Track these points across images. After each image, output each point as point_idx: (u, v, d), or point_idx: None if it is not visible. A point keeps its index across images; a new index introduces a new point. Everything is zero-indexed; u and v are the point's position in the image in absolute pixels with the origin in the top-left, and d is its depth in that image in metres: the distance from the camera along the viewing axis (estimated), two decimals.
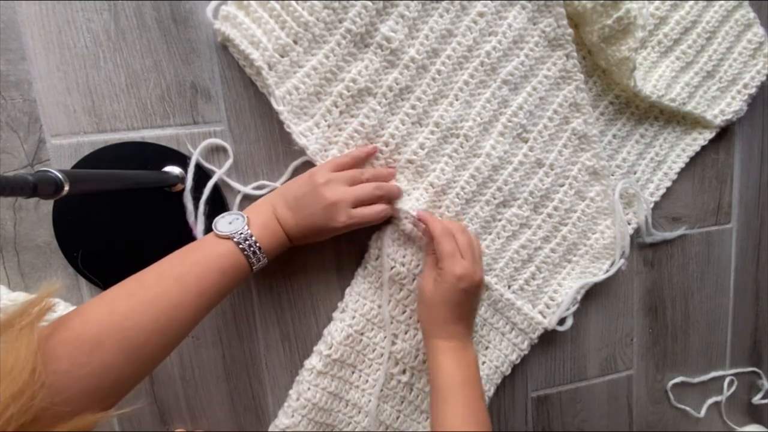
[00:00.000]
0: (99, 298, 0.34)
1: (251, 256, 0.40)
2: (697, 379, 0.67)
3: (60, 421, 0.27)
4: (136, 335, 0.32)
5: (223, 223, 0.41)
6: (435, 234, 0.46)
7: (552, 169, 0.54)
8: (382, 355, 0.52)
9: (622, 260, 0.57)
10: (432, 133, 0.50)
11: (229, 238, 0.40)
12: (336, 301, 0.53)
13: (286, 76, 0.46)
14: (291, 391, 0.51)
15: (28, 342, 0.26)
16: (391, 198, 0.48)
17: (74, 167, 0.46)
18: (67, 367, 0.29)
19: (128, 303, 0.33)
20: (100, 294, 0.35)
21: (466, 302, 0.45)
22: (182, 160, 0.47)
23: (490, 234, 0.54)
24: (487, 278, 0.53)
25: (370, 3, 0.45)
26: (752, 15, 0.58)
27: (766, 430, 0.70)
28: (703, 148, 0.60)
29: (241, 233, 0.40)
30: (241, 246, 0.39)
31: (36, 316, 0.28)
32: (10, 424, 0.24)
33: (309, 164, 0.48)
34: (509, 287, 0.55)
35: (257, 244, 0.40)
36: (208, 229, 0.46)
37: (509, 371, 0.57)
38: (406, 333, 0.52)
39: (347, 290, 0.52)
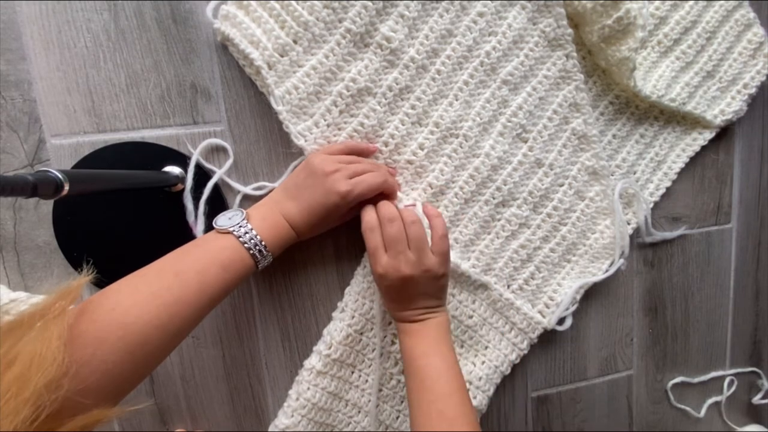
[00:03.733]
0: (101, 294, 0.34)
1: (252, 248, 0.40)
2: (697, 379, 0.67)
3: (77, 414, 0.27)
4: (137, 331, 0.32)
5: (223, 219, 0.42)
6: (362, 229, 0.45)
7: (551, 169, 0.54)
8: (382, 354, 0.52)
9: (622, 260, 0.57)
10: (432, 133, 0.50)
11: (228, 232, 0.40)
12: (336, 301, 0.53)
13: (286, 76, 0.46)
14: (291, 391, 0.51)
15: (59, 332, 0.27)
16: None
17: (74, 167, 0.46)
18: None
19: (130, 299, 0.34)
20: (102, 290, 0.35)
21: (401, 292, 0.44)
22: (182, 160, 0.47)
23: (489, 234, 0.54)
24: (486, 278, 0.53)
25: (370, 3, 0.45)
26: (752, 15, 0.58)
27: (766, 430, 0.70)
28: (703, 148, 0.60)
29: (240, 226, 0.40)
30: (241, 239, 0.39)
31: (66, 306, 0.29)
32: (41, 413, 0.24)
33: None
34: (508, 287, 0.55)
35: (258, 237, 0.40)
36: (209, 228, 0.46)
37: (509, 371, 0.56)
38: None
39: (347, 290, 0.52)
